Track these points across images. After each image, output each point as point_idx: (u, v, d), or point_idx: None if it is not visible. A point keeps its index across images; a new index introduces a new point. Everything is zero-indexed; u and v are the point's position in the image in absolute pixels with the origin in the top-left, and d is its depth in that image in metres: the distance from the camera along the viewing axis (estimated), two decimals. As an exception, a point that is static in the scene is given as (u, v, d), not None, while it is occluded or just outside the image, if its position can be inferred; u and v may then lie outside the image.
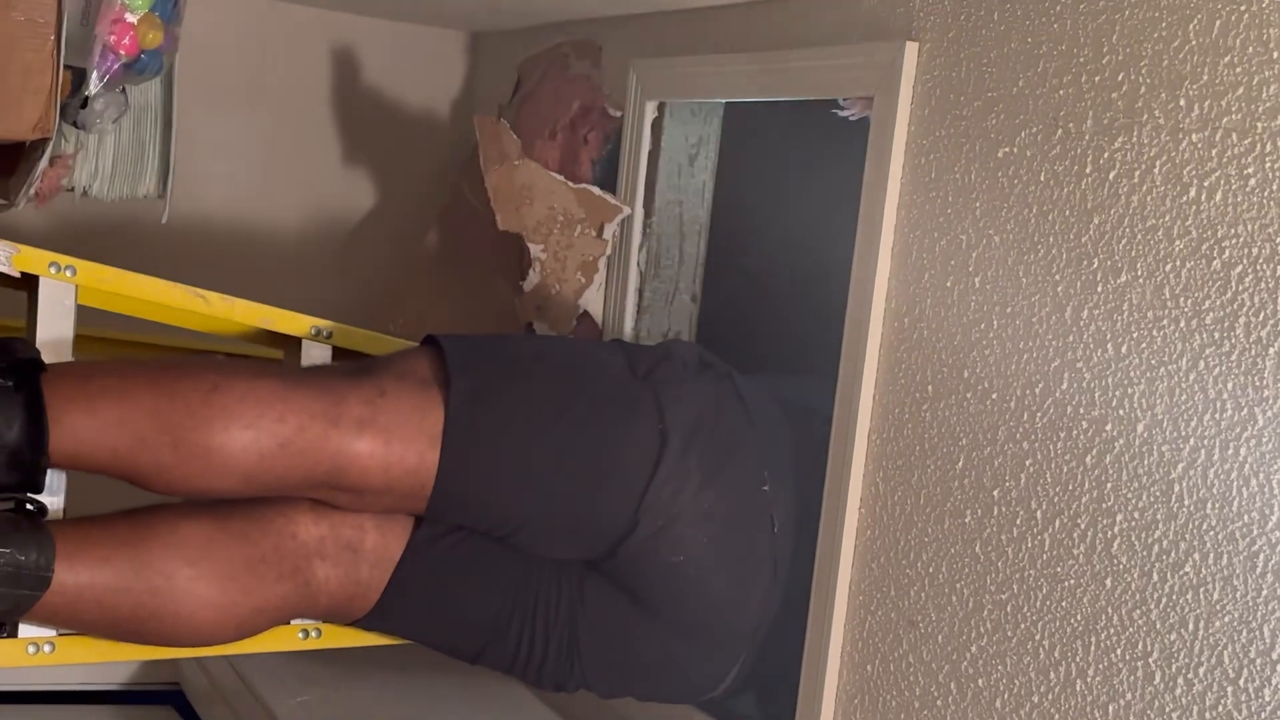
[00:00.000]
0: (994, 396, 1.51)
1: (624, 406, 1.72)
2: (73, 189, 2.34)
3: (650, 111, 2.21)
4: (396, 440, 1.63)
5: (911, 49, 1.65)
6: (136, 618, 1.61)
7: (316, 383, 1.64)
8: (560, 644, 1.77)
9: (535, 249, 2.24)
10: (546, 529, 1.72)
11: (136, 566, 1.60)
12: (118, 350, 2.06)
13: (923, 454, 1.61)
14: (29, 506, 1.57)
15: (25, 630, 1.63)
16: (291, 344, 1.88)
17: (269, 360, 1.90)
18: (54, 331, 1.69)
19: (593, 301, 2.26)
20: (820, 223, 2.05)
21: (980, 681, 1.51)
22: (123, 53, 1.97)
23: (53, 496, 1.63)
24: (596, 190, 2.23)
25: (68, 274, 1.70)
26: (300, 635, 1.82)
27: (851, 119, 1.77)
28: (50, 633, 1.64)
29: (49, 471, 1.57)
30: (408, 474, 1.64)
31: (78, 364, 1.62)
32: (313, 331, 1.87)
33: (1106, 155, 1.40)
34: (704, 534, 1.69)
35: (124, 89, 2.15)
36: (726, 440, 1.73)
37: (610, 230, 2.22)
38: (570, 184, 2.23)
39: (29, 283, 1.71)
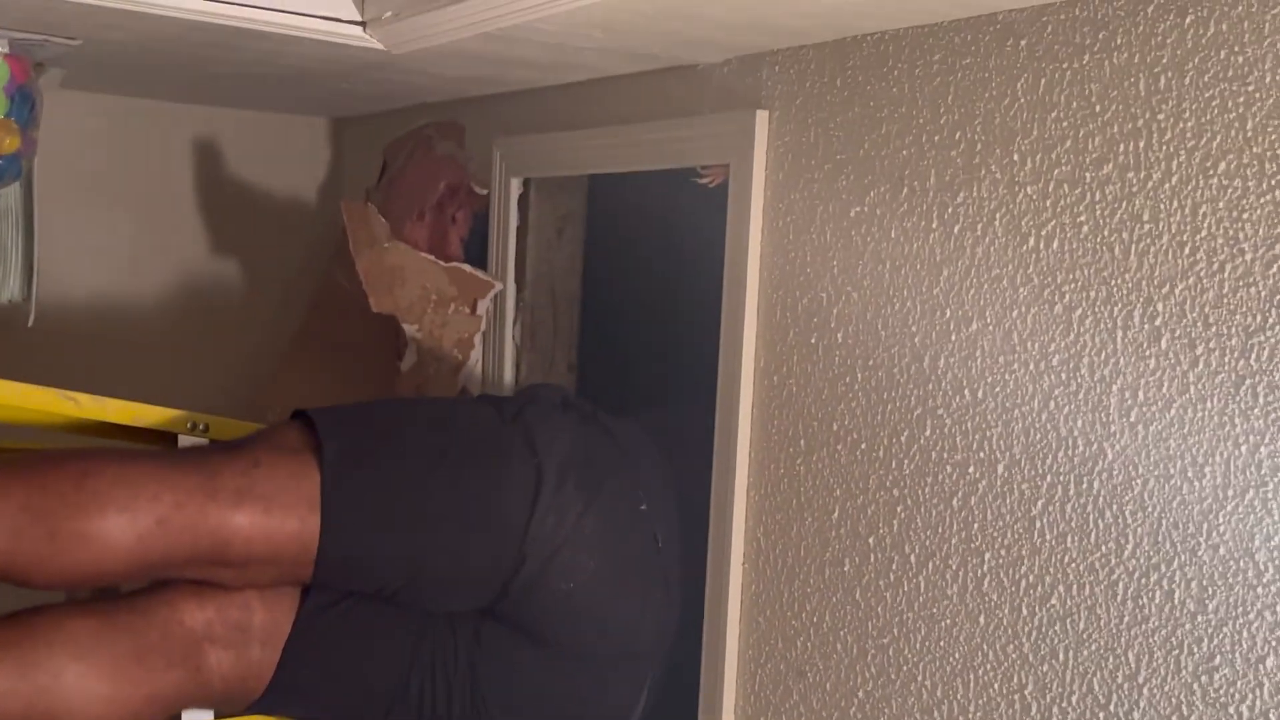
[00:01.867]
0: (863, 446, 1.57)
1: (496, 449, 1.75)
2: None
3: (516, 188, 2.25)
4: (276, 507, 1.64)
5: (762, 117, 1.71)
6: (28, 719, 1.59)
7: (190, 460, 1.65)
8: (464, 696, 1.77)
9: (410, 329, 2.26)
10: (435, 579, 1.73)
11: (22, 668, 1.59)
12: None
13: (800, 507, 1.65)
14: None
15: (-90, 749, 1.60)
16: (168, 440, 1.88)
17: (140, 446, 1.89)
18: (-76, 444, 1.67)
19: (472, 376, 2.29)
20: (689, 287, 2.10)
21: (869, 725, 1.56)
22: (-19, 160, 1.97)
23: (-68, 611, 1.61)
24: (467, 268, 2.26)
25: (-66, 385, 1.69)
26: (192, 732, 1.80)
27: (710, 186, 1.82)
28: (-64, 749, 1.62)
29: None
30: (290, 539, 1.64)
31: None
32: (188, 426, 1.87)
33: (950, 210, 1.46)
34: (590, 558, 1.72)
35: (-17, 195, 2.15)
36: (599, 468, 1.77)
37: (484, 306, 2.25)
38: (441, 263, 2.25)
39: (-104, 396, 1.69)
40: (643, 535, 1.77)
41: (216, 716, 1.80)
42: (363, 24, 1.66)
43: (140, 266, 2.76)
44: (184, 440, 1.86)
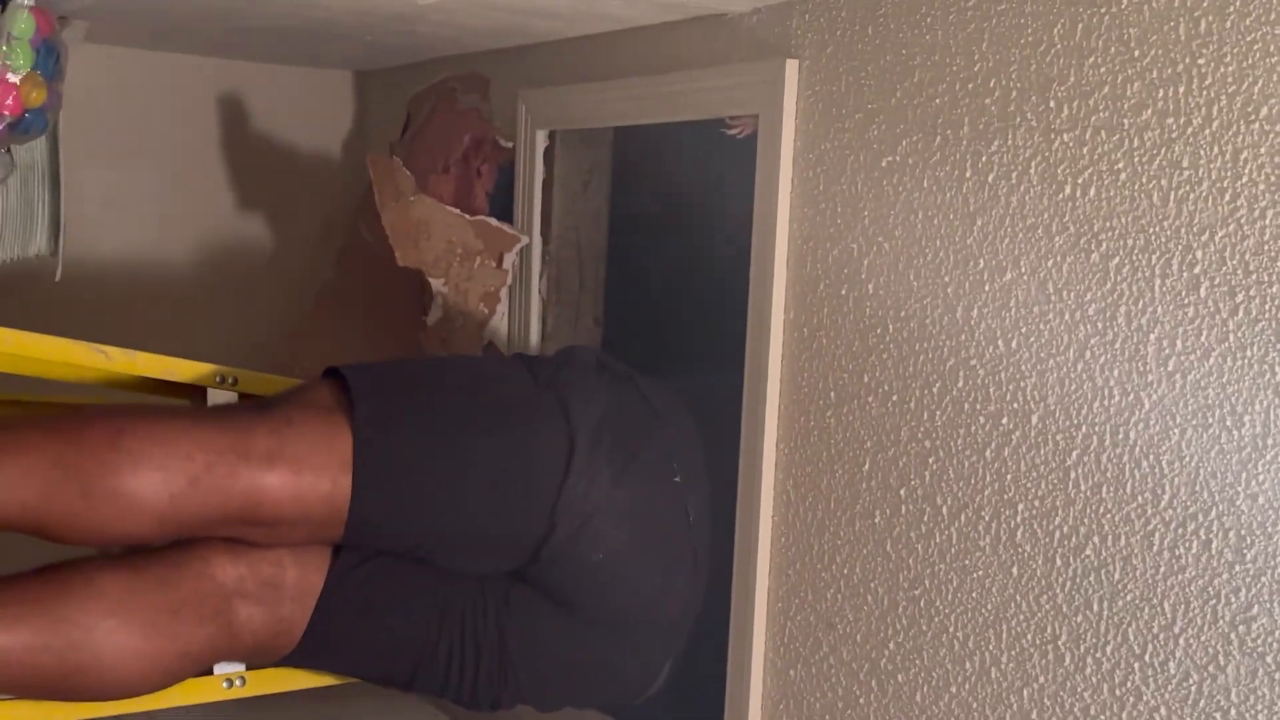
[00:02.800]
0: (895, 398, 1.56)
1: (529, 413, 1.74)
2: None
3: (541, 141, 2.23)
4: (307, 469, 1.63)
5: (792, 66, 1.69)
6: (61, 674, 1.60)
7: (222, 419, 1.65)
8: (491, 659, 1.77)
9: (436, 283, 2.25)
10: (465, 542, 1.73)
11: (54, 622, 1.59)
12: (28, 412, 2.04)
13: (830, 459, 1.65)
14: (-59, 574, 1.56)
15: (-51, 701, 1.62)
16: (197, 394, 1.87)
17: (174, 402, 1.89)
18: (-45, 397, 1.67)
19: (497, 331, 2.28)
20: (716, 240, 2.09)
21: (900, 677, 1.55)
22: (6, 113, 1.96)
23: (-37, 565, 1.62)
24: (493, 221, 2.25)
25: (-36, 337, 1.69)
26: (224, 685, 1.81)
27: (739, 138, 1.81)
28: (-24, 702, 1.63)
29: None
30: (321, 501, 1.64)
31: (-23, 424, 1.61)
32: (217, 379, 1.87)
33: (984, 159, 1.45)
34: (621, 529, 1.71)
35: (9, 149, 2.14)
36: (632, 436, 1.75)
37: (510, 260, 2.24)
38: (466, 216, 2.24)
39: (-74, 349, 1.69)
40: (674, 508, 1.76)
41: (248, 668, 1.81)
42: (390, -27, 1.66)
43: (167, 222, 2.76)
44: (213, 395, 1.86)
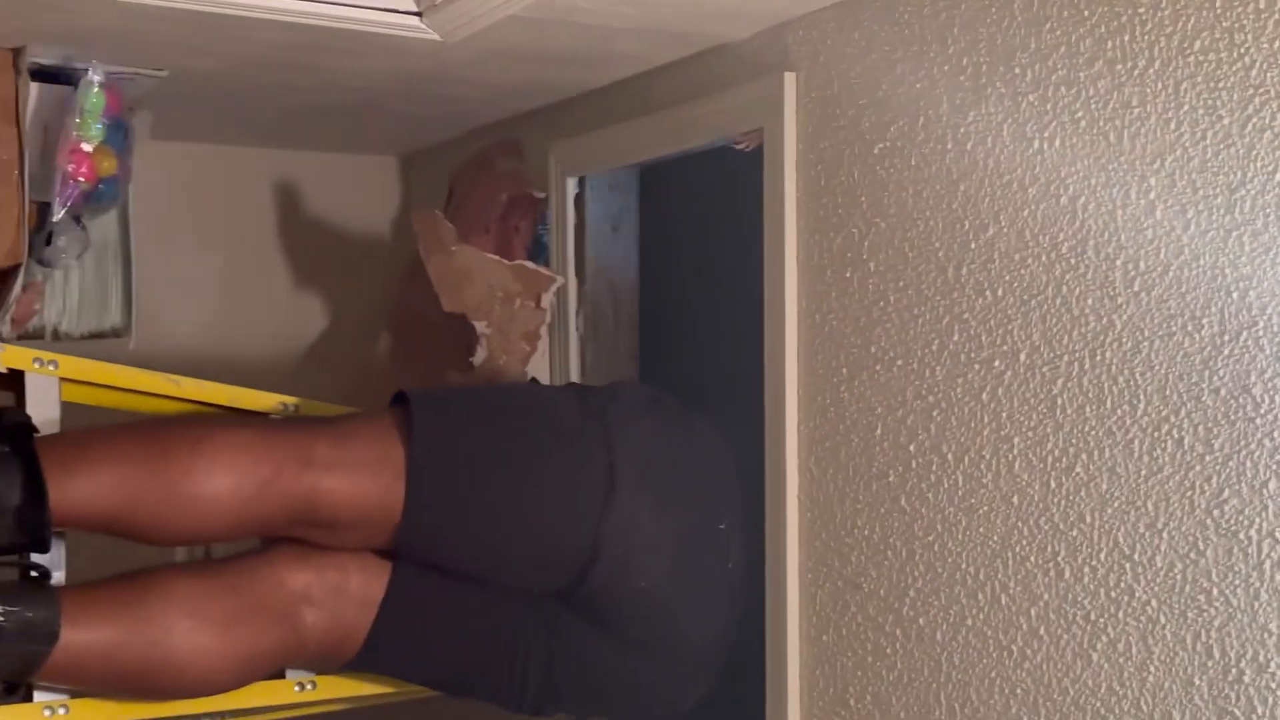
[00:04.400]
0: (899, 363, 1.68)
1: (574, 443, 1.86)
2: (43, 332, 2.50)
3: (571, 188, 2.40)
4: (363, 477, 1.77)
5: (790, 78, 1.85)
6: (141, 671, 1.72)
7: (289, 430, 1.79)
8: (539, 672, 1.88)
9: (480, 325, 2.40)
10: (512, 559, 1.85)
11: (137, 621, 1.72)
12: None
13: (846, 430, 1.76)
14: (33, 573, 1.69)
15: (39, 696, 1.74)
16: (261, 420, 2.02)
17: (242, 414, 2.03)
18: (42, 422, 1.82)
19: (539, 368, 2.42)
20: (738, 267, 2.23)
21: (921, 620, 1.65)
22: (81, 179, 2.14)
23: (56, 571, 1.75)
24: (530, 264, 2.40)
25: (50, 367, 1.84)
26: (296, 688, 1.93)
27: (746, 150, 1.96)
28: (63, 696, 1.75)
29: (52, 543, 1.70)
30: (375, 507, 1.77)
31: (70, 432, 1.76)
32: (280, 407, 2.02)
33: (962, 130, 1.59)
34: (663, 562, 1.82)
35: (84, 226, 2.33)
36: (679, 475, 1.87)
37: (547, 299, 2.39)
38: (505, 261, 2.40)
39: (14, 381, 1.85)
40: (715, 550, 1.87)
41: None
42: (419, 14, 1.82)
43: (229, 300, 2.94)
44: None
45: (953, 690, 1.60)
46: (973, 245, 1.57)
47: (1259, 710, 1.28)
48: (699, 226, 2.46)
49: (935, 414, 1.62)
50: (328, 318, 3.06)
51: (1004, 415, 1.54)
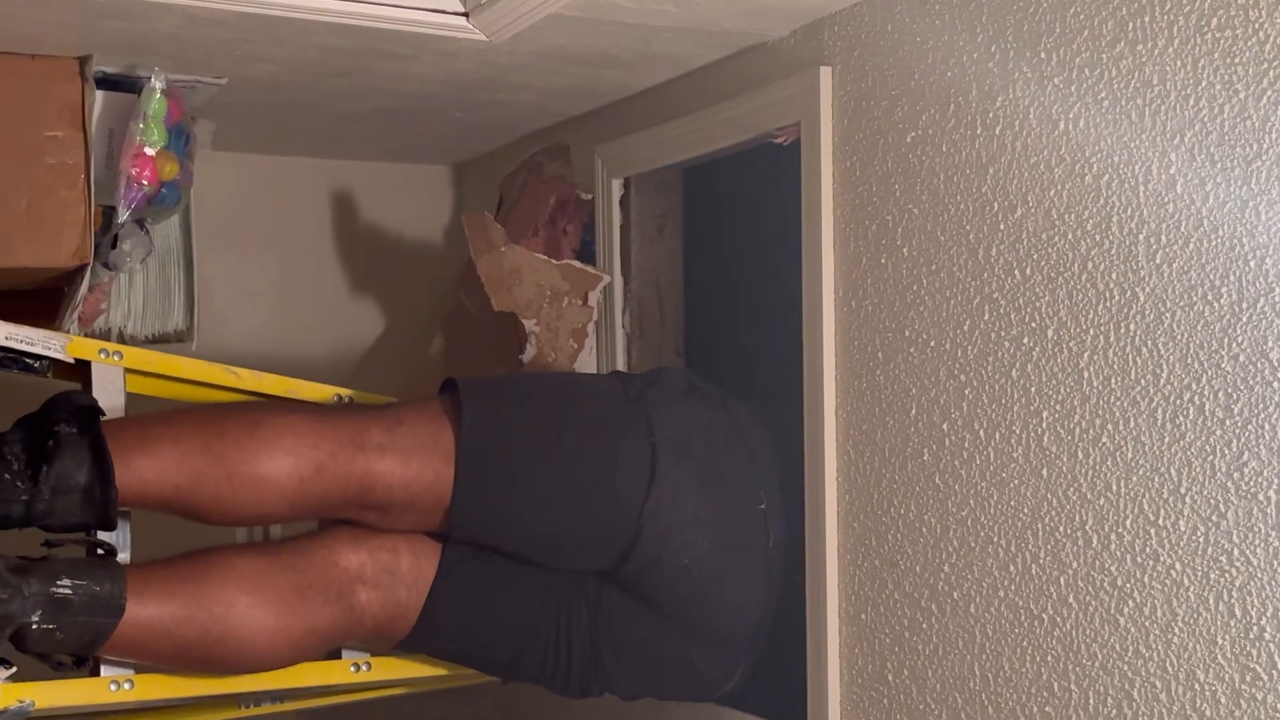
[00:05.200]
0: (932, 345, 1.72)
1: (616, 426, 1.92)
2: (109, 335, 2.59)
3: (617, 189, 2.46)
4: (414, 460, 1.84)
5: (826, 72, 1.90)
6: (203, 644, 1.79)
7: (344, 415, 1.86)
8: (584, 651, 1.94)
9: (529, 324, 2.47)
10: (559, 539, 1.91)
11: (199, 597, 1.79)
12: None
13: (881, 413, 1.81)
14: (100, 550, 1.77)
15: (106, 670, 1.81)
16: (317, 411, 2.09)
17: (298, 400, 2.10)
18: (108, 410, 1.90)
19: (587, 365, 2.48)
20: (781, 261, 2.28)
21: (955, 594, 1.69)
22: (145, 182, 2.23)
23: (121, 551, 1.83)
24: (577, 264, 2.46)
25: (115, 358, 1.92)
26: (352, 669, 1.99)
27: (785, 144, 2.01)
28: (129, 671, 1.82)
29: (118, 521, 1.78)
30: (426, 489, 1.84)
31: (135, 415, 1.84)
32: (335, 399, 2.09)
33: (991, 114, 1.63)
34: (705, 539, 1.88)
35: (148, 230, 2.42)
36: (720, 456, 1.93)
37: (594, 298, 2.45)
38: (553, 261, 2.47)
39: (82, 370, 1.93)
40: (756, 531, 1.93)
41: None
42: (465, 14, 1.89)
43: (288, 307, 3.03)
44: (330, 411, 2.08)
45: (986, 661, 1.64)
46: (1001, 226, 1.62)
47: (1279, 665, 1.31)
48: (743, 225, 2.51)
49: (967, 392, 1.67)
50: (383, 322, 3.14)
51: (1033, 390, 1.58)
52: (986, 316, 1.64)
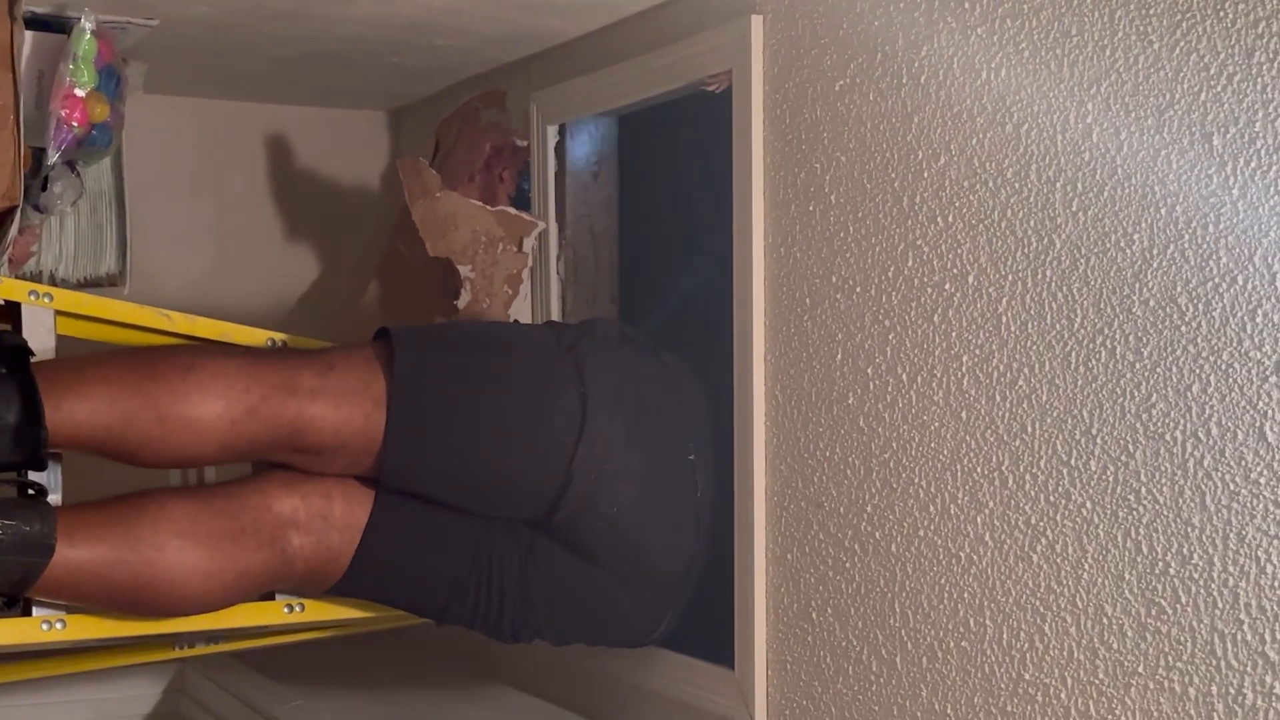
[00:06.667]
0: (858, 291, 1.76)
1: (548, 375, 1.94)
2: (40, 278, 2.57)
3: (552, 136, 2.47)
4: (345, 404, 1.85)
5: (757, 21, 1.92)
6: (134, 587, 1.80)
7: (276, 360, 1.87)
8: (515, 597, 1.96)
9: (464, 270, 2.48)
10: (489, 486, 1.93)
11: (131, 540, 1.80)
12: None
13: (809, 357, 1.84)
14: (30, 491, 1.77)
15: (37, 611, 1.82)
16: (250, 354, 2.09)
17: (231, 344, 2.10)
18: (38, 353, 1.90)
19: (521, 311, 2.50)
20: (713, 208, 2.30)
21: (877, 534, 1.73)
22: (75, 124, 2.21)
23: (52, 493, 1.83)
24: (512, 210, 2.48)
25: (46, 300, 1.92)
26: (285, 610, 2.01)
27: (716, 92, 2.03)
28: (60, 611, 1.83)
29: (48, 464, 1.78)
30: (356, 434, 1.85)
31: (66, 357, 1.84)
32: (268, 343, 2.09)
33: (916, 63, 1.66)
34: (632, 489, 1.91)
35: (79, 173, 2.40)
36: (649, 405, 1.95)
37: (529, 244, 2.47)
38: (488, 207, 2.48)
39: (12, 312, 1.93)
40: (684, 479, 1.96)
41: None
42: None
43: (222, 253, 3.02)
44: (263, 355, 2.08)
45: (906, 598, 1.68)
46: (925, 175, 1.65)
47: (1182, 599, 1.36)
48: (677, 172, 2.53)
49: (891, 337, 1.70)
50: (317, 268, 3.13)
51: (953, 335, 1.61)
52: (910, 263, 1.67)
